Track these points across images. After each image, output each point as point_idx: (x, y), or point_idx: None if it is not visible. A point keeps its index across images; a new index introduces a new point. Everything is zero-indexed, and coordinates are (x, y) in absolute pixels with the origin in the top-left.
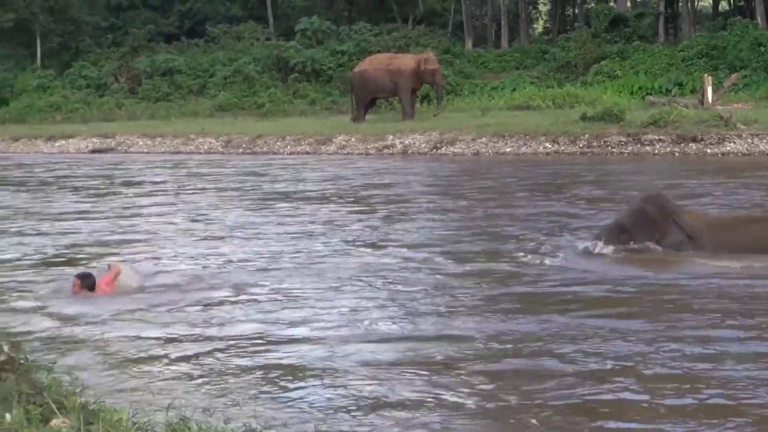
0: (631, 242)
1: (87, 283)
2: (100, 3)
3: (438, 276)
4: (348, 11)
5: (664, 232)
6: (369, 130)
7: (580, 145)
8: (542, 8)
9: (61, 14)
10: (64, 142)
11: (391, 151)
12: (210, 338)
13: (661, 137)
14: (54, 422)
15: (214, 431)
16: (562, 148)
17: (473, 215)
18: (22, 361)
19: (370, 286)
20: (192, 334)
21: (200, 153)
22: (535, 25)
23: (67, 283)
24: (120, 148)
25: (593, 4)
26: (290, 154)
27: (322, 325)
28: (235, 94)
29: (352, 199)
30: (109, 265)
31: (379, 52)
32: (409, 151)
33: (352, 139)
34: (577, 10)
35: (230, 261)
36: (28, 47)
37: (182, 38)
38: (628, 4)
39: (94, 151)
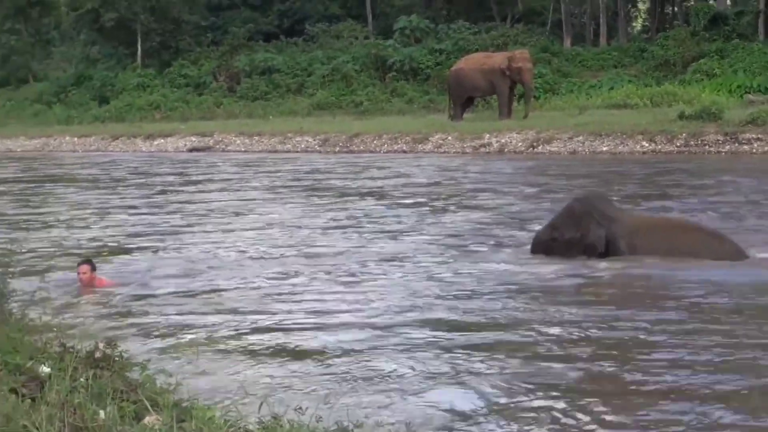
0: (559, 238)
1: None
2: (200, 2)
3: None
4: (446, 10)
5: (586, 229)
6: (466, 129)
7: (678, 144)
8: (641, 6)
9: (161, 13)
10: (162, 140)
11: (487, 150)
12: (301, 334)
13: (759, 136)
14: (147, 419)
15: (305, 430)
16: (659, 147)
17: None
18: (117, 358)
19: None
20: (283, 330)
21: (297, 151)
22: (634, 24)
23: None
24: (218, 146)
25: (693, 2)
26: (387, 152)
27: (422, 326)
28: (333, 93)
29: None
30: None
31: (477, 50)
32: (506, 149)
33: (449, 138)
34: (676, 8)
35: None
36: (129, 46)
37: (281, 37)
38: (728, 2)
39: (192, 150)
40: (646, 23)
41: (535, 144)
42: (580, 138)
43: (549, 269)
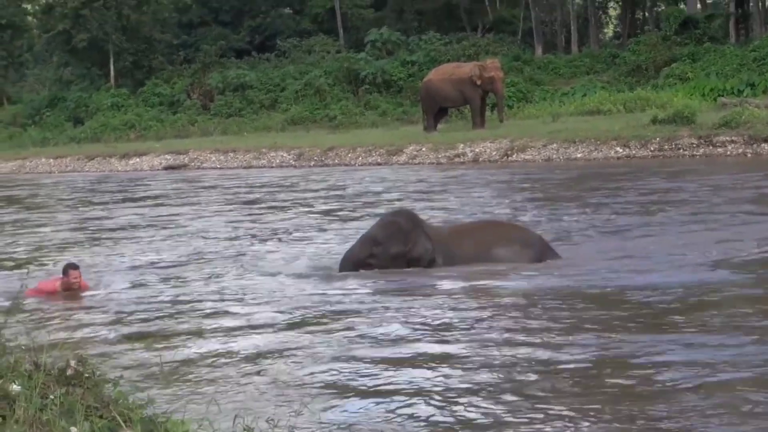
0: (380, 254)
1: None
2: (171, 21)
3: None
4: (417, 21)
5: (414, 242)
6: (440, 140)
7: (651, 149)
8: (612, 12)
9: (133, 33)
10: (137, 159)
11: (462, 160)
12: (275, 345)
13: (733, 138)
14: None
15: None
16: (633, 152)
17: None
18: (88, 375)
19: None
20: (256, 341)
21: (272, 167)
22: (605, 30)
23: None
24: (193, 164)
25: (663, 7)
26: (362, 165)
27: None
28: (307, 108)
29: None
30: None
31: (448, 61)
32: (480, 159)
33: (423, 149)
34: (647, 14)
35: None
36: (102, 66)
37: (253, 53)
38: (698, 5)
39: (167, 168)
40: (617, 29)
41: (509, 152)
42: (554, 146)
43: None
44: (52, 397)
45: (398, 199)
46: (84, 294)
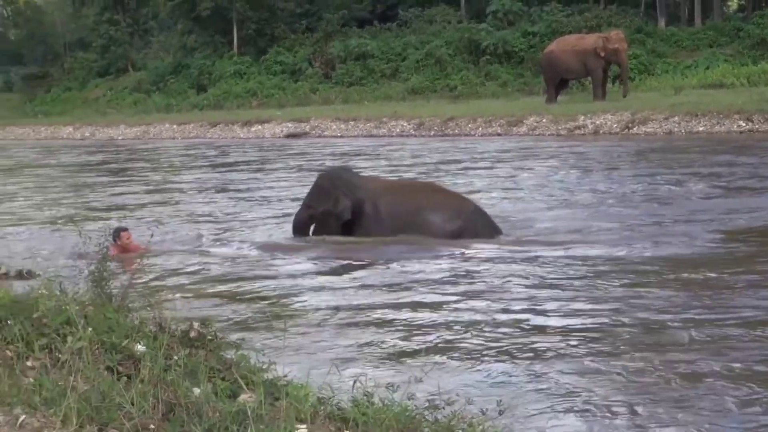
0: (315, 214)
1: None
2: None
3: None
4: None
5: (335, 200)
6: (560, 111)
7: None
8: None
9: (257, 2)
10: (259, 127)
11: (582, 132)
12: (397, 310)
13: None
14: (241, 397)
15: (397, 407)
16: (757, 126)
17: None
18: (211, 338)
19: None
20: (379, 304)
21: (393, 136)
22: (729, 2)
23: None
24: (314, 132)
25: None
26: (481, 135)
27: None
28: (428, 77)
29: None
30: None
31: (570, 32)
32: (600, 131)
33: (543, 120)
34: None
35: None
36: (225, 34)
37: (375, 23)
38: None
39: (288, 136)
40: (742, 2)
41: (630, 125)
42: (676, 118)
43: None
44: (176, 358)
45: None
46: (154, 255)
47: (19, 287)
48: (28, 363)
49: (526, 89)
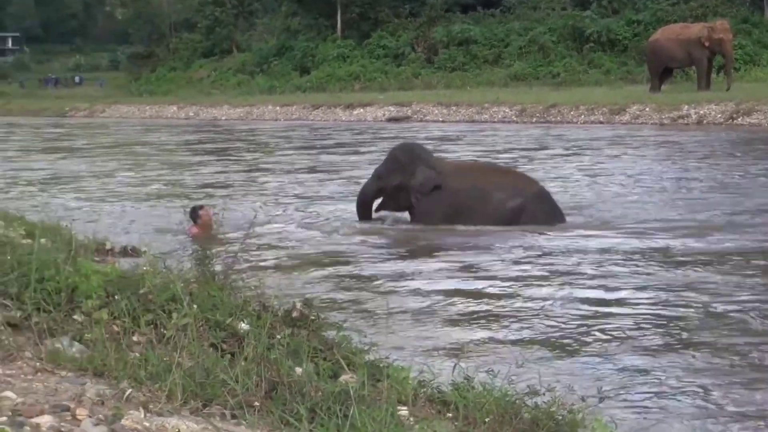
0: (386, 187)
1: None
2: None
3: None
4: None
5: (412, 173)
6: (663, 100)
7: None
8: None
9: None
10: (361, 110)
11: (685, 122)
12: (488, 295)
13: None
14: (342, 377)
15: (497, 392)
16: None
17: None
18: (313, 318)
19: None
20: (467, 290)
21: (494, 122)
22: None
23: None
24: (416, 116)
25: None
26: (583, 123)
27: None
28: (530, 64)
29: None
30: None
31: (675, 21)
32: (704, 121)
33: (647, 109)
34: None
35: None
36: (329, 17)
37: (478, 8)
38: None
39: (390, 119)
40: None
41: (734, 115)
42: None
43: None
44: (278, 337)
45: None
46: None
47: (124, 264)
48: (134, 338)
49: (630, 78)
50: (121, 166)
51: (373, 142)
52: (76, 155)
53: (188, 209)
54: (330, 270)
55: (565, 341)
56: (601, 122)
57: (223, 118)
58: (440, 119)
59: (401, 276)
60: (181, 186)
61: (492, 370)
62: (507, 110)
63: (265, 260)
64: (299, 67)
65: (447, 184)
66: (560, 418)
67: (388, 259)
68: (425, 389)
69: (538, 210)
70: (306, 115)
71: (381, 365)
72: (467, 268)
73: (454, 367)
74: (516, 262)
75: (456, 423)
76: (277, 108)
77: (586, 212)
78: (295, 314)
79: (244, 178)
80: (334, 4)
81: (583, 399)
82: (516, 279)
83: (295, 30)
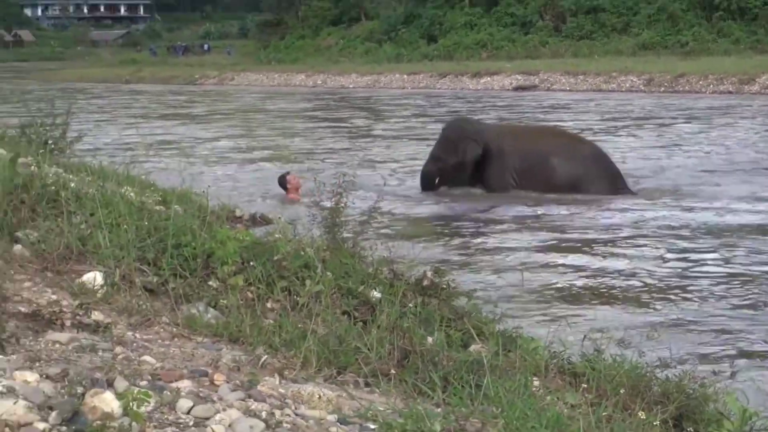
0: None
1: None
2: None
3: None
4: None
5: (464, 150)
6: None
7: None
8: None
9: None
10: (488, 78)
11: None
12: (622, 267)
13: None
14: (473, 347)
15: (627, 364)
16: None
17: None
18: (444, 287)
19: None
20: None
21: (622, 91)
22: None
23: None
24: (543, 85)
25: None
26: (712, 93)
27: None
28: (659, 33)
29: None
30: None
31: None
32: None
33: None
34: None
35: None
36: None
37: None
38: None
39: (517, 88)
40: None
41: None
42: None
43: None
44: (410, 305)
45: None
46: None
47: (255, 232)
48: (268, 305)
49: (759, 47)
50: (234, 132)
51: (492, 110)
52: (195, 121)
53: (277, 178)
54: (442, 237)
55: (690, 317)
56: (730, 92)
57: (351, 86)
58: (567, 88)
59: (510, 246)
60: (286, 151)
61: (623, 342)
62: (635, 79)
63: (380, 227)
64: (426, 35)
65: (504, 148)
66: (691, 391)
67: (494, 230)
68: (556, 360)
69: (596, 171)
70: (433, 83)
71: (512, 335)
72: (569, 240)
73: (584, 338)
74: (617, 234)
75: (587, 395)
76: (404, 76)
77: (652, 181)
78: (426, 282)
79: (348, 144)
80: None
81: (714, 373)
82: (624, 254)
83: None
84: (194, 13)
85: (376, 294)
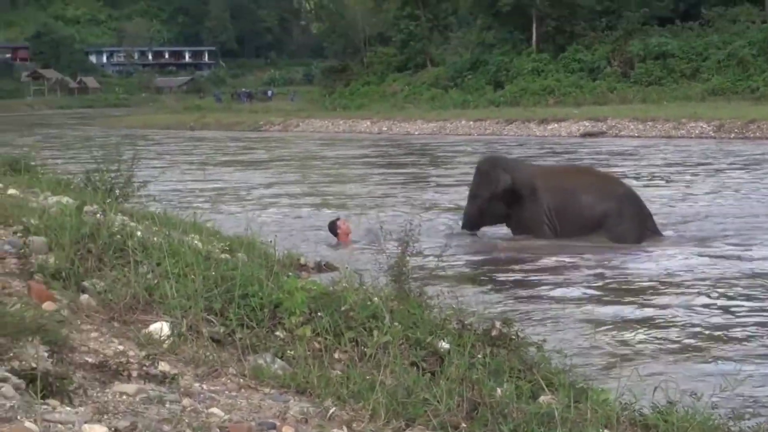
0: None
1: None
2: None
3: None
4: None
5: (497, 180)
6: None
7: None
8: None
9: None
10: (555, 125)
11: None
12: (694, 317)
13: None
14: (543, 399)
15: (700, 416)
16: None
17: None
18: (513, 337)
19: None
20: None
21: (691, 137)
22: None
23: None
24: (611, 132)
25: None
26: None
27: None
28: (729, 78)
29: None
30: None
31: None
32: None
33: None
34: None
35: None
36: (524, 31)
37: (676, 21)
38: None
39: (584, 135)
40: None
41: None
42: None
43: None
44: (479, 356)
45: None
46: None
47: (320, 279)
48: (336, 355)
49: None
50: (291, 178)
51: (557, 156)
52: (258, 167)
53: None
54: (503, 284)
55: (764, 370)
56: None
57: (416, 132)
58: (635, 134)
59: (570, 297)
60: (337, 197)
61: (695, 394)
62: (704, 126)
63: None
64: (493, 81)
65: (537, 186)
66: None
67: (546, 277)
68: (627, 412)
69: (628, 211)
70: (499, 130)
71: (581, 386)
72: (627, 289)
73: (654, 389)
74: (672, 280)
75: None
76: (471, 123)
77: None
78: (494, 333)
79: (402, 190)
80: (530, 18)
81: None
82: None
83: (489, 44)
84: (258, 60)
85: (444, 345)
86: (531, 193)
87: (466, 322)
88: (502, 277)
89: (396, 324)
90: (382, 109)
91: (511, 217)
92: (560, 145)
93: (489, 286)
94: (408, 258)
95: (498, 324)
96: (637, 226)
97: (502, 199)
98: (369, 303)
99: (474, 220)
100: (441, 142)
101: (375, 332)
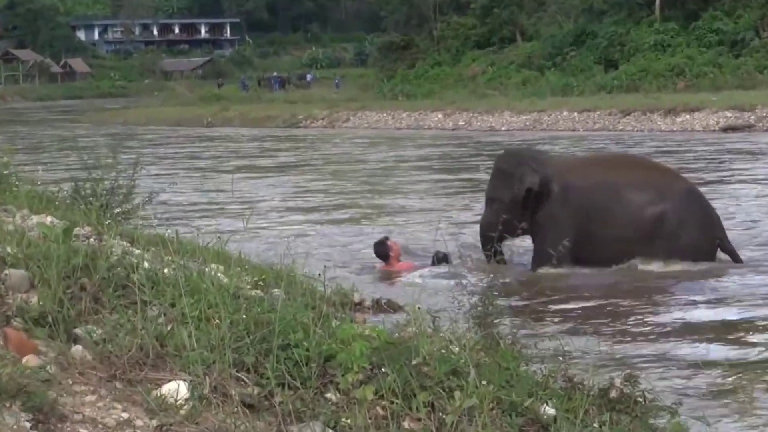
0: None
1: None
2: None
3: None
4: None
5: (520, 179)
6: None
7: None
8: None
9: None
10: (687, 116)
11: None
12: None
13: None
14: None
15: None
16: None
17: None
18: (638, 399)
19: None
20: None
21: None
22: None
23: None
24: (760, 124)
25: None
26: None
27: None
28: None
29: None
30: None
31: None
32: None
33: None
34: None
35: None
36: None
37: None
38: None
39: (726, 129)
40: None
41: None
42: None
43: None
44: (595, 425)
45: None
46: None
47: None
48: (406, 424)
49: None
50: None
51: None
52: (296, 172)
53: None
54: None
55: None
56: None
57: (503, 128)
58: None
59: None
60: (371, 209)
61: None
62: None
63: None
64: (604, 60)
65: (569, 185)
66: None
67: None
68: None
69: (688, 215)
70: (613, 123)
71: None
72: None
73: None
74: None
75: None
76: (574, 114)
77: None
78: (614, 394)
79: (447, 201)
80: None
81: None
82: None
83: (599, 11)
84: (295, 35)
85: (548, 410)
86: (561, 194)
87: (575, 380)
88: (577, 310)
89: (484, 383)
90: (457, 97)
91: (534, 217)
92: (692, 142)
93: (569, 324)
94: (494, 294)
95: (618, 382)
96: (703, 233)
97: (526, 204)
98: (448, 355)
99: (492, 230)
100: (535, 139)
101: (457, 393)
